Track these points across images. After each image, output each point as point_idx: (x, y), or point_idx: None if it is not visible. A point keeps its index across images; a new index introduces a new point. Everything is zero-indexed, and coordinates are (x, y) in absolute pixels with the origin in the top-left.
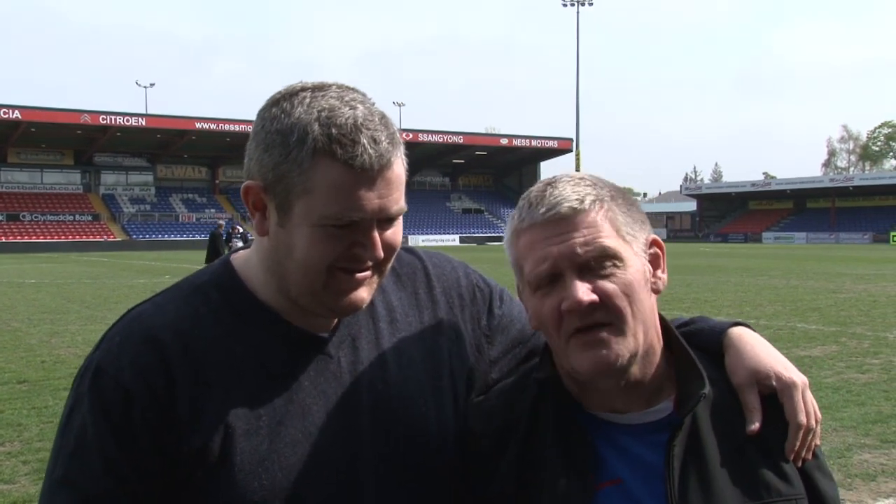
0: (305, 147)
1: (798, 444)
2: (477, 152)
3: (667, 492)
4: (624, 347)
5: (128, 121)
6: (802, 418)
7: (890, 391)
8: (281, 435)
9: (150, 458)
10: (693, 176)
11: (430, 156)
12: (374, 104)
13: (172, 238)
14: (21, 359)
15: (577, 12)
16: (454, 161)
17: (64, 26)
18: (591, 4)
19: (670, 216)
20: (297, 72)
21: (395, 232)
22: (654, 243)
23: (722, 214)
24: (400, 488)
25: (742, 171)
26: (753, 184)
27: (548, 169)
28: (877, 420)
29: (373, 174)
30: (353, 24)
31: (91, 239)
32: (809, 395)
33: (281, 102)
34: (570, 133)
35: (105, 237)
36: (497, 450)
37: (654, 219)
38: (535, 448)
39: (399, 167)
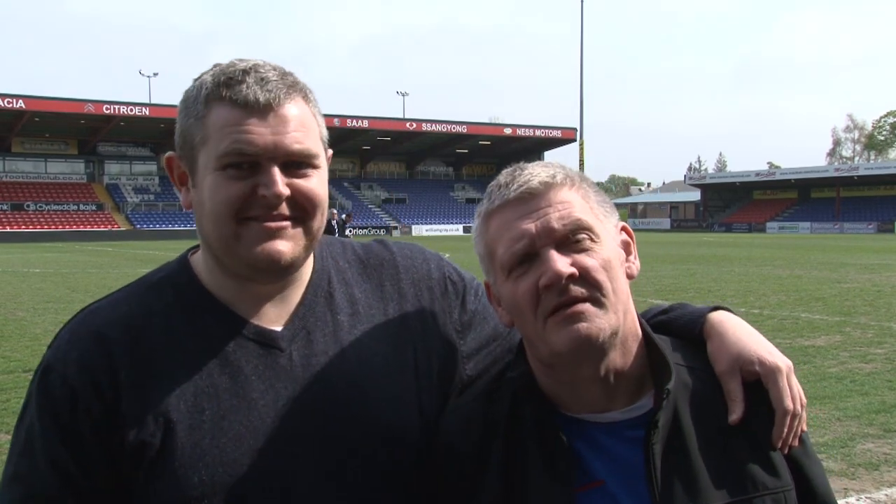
0: (199, 99)
1: (785, 430)
2: (480, 142)
3: (650, 492)
4: (605, 321)
5: (131, 110)
6: (789, 403)
7: (894, 381)
8: (223, 430)
9: (94, 454)
10: (697, 166)
11: (433, 145)
12: (284, 69)
13: (176, 227)
14: (26, 348)
15: (582, 2)
16: (458, 151)
17: (65, 15)
18: None
19: (674, 206)
20: (295, 60)
21: (313, 182)
22: (623, 229)
23: (726, 204)
24: (356, 483)
25: (746, 160)
26: (758, 173)
27: (551, 158)
28: (880, 410)
29: (260, 108)
30: (353, 12)
31: (95, 228)
32: (794, 380)
33: (196, 78)
34: (573, 123)
35: (109, 227)
36: (479, 465)
37: (658, 208)
38: (516, 456)
39: (297, 110)
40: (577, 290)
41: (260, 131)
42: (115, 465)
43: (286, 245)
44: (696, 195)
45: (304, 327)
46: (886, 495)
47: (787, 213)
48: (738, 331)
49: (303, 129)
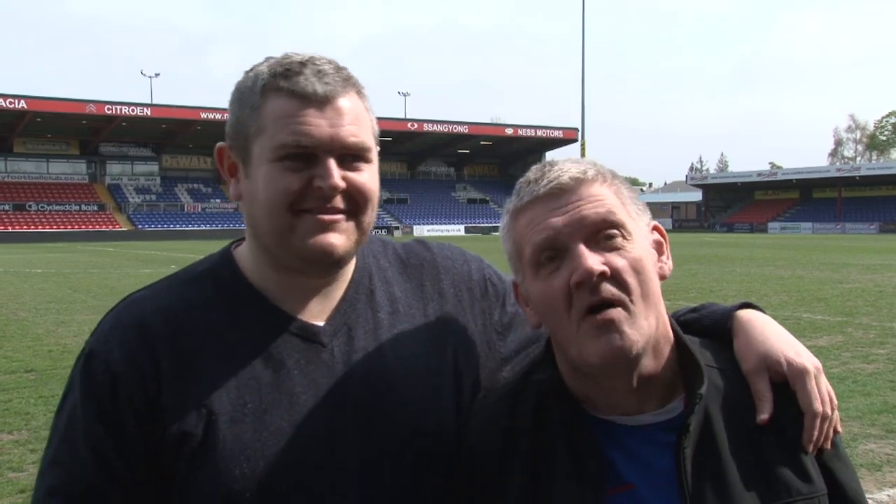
0: (255, 90)
1: (815, 433)
2: (482, 142)
3: (681, 497)
4: (637, 332)
5: (133, 111)
6: (818, 406)
7: None
8: (265, 423)
9: (135, 442)
10: (699, 166)
11: (435, 146)
12: (339, 63)
13: (178, 228)
14: (28, 348)
15: (583, 2)
16: (459, 151)
17: (66, 16)
18: None
19: (676, 206)
20: None
21: (366, 176)
22: (656, 229)
23: (728, 204)
24: (389, 482)
25: (748, 160)
26: (759, 174)
27: (553, 158)
28: (882, 410)
29: (318, 100)
30: (353, 12)
31: (97, 229)
32: (824, 381)
33: (249, 70)
34: (575, 123)
35: (111, 227)
36: (503, 467)
37: (660, 209)
38: (542, 458)
39: (353, 103)
40: (609, 289)
41: (318, 123)
42: (156, 455)
43: (339, 238)
44: (697, 195)
45: (346, 323)
46: (889, 496)
47: (789, 214)
48: (765, 329)
49: (358, 122)
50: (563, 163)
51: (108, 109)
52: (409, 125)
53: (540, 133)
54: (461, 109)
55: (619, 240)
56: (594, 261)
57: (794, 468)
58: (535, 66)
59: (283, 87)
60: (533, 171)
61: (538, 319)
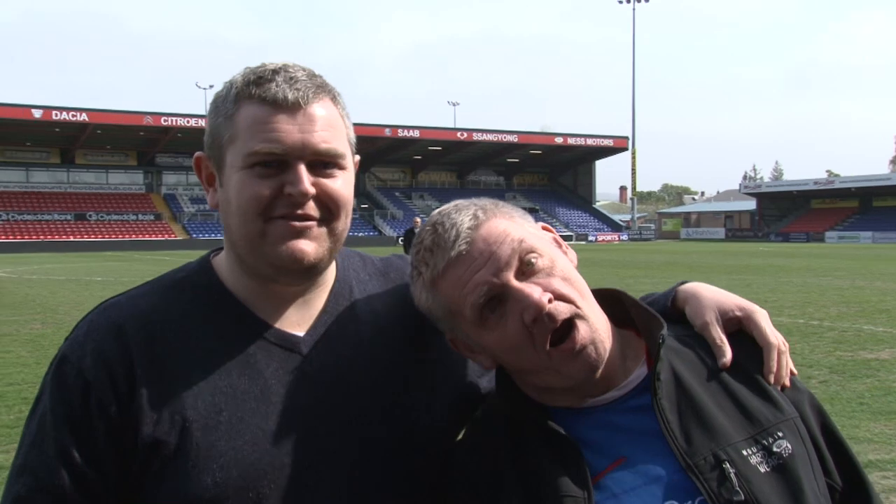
0: (229, 98)
1: (774, 364)
2: (531, 151)
3: (671, 447)
4: (599, 333)
5: (188, 122)
6: (773, 339)
7: None
8: (240, 432)
9: (105, 449)
10: (752, 174)
11: (484, 155)
12: (313, 71)
13: None
14: None
15: (634, 9)
16: (509, 160)
17: (127, 34)
18: (647, 1)
19: (729, 215)
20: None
21: (339, 183)
22: (545, 229)
23: (783, 213)
24: (367, 495)
25: (803, 169)
26: (816, 182)
27: (602, 167)
28: None
29: (288, 106)
30: (402, 23)
31: (153, 238)
32: (771, 324)
33: (227, 80)
34: (625, 131)
35: (166, 236)
36: (495, 488)
37: (712, 218)
38: (527, 469)
39: (327, 110)
40: (562, 309)
41: (288, 129)
42: (126, 462)
43: (310, 245)
44: (751, 204)
45: (326, 334)
46: None
47: (848, 223)
48: (712, 290)
49: (330, 128)
50: (448, 217)
51: (165, 121)
52: (458, 135)
53: (590, 142)
54: (510, 118)
55: (539, 261)
56: (537, 293)
57: (765, 399)
58: (583, 74)
59: (254, 95)
60: (425, 237)
61: (491, 363)
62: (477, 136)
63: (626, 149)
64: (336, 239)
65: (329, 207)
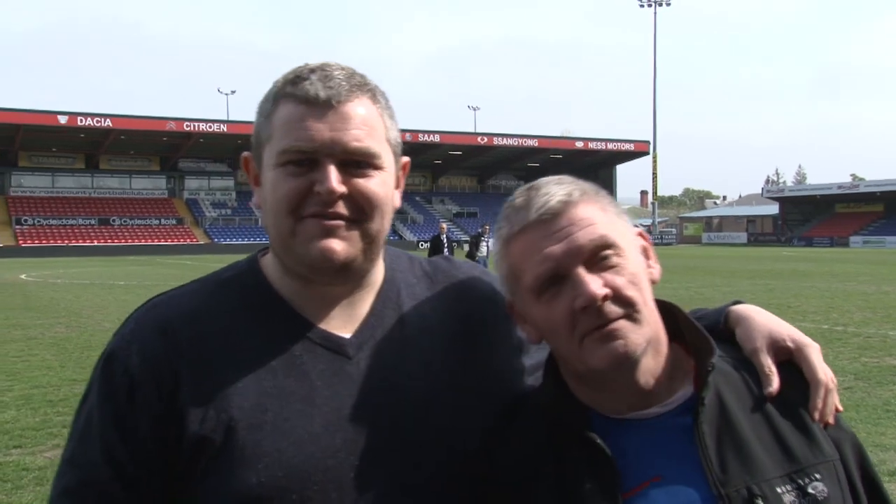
0: (269, 99)
1: (820, 402)
2: (552, 155)
3: (706, 473)
4: (640, 335)
5: (210, 127)
6: (822, 376)
7: None
8: (285, 432)
9: (150, 446)
10: (775, 178)
11: (504, 160)
12: (354, 70)
13: (252, 241)
14: None
15: (655, 12)
16: (529, 165)
17: (147, 38)
18: (668, 5)
19: (751, 220)
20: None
21: (373, 182)
22: (640, 235)
23: (806, 218)
24: (412, 497)
25: (827, 173)
26: (840, 186)
27: (624, 172)
28: None
29: (319, 104)
30: (421, 26)
31: (175, 242)
32: (822, 360)
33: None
34: (646, 135)
35: (188, 240)
36: (532, 490)
37: (734, 222)
38: (564, 475)
39: (361, 109)
40: (613, 309)
41: (318, 127)
42: (170, 459)
43: (340, 244)
44: (774, 209)
45: (373, 336)
46: None
47: (873, 227)
48: (765, 316)
49: (365, 127)
50: (547, 185)
51: (187, 126)
52: (479, 139)
53: (611, 146)
54: (531, 123)
55: (614, 258)
56: (596, 285)
57: (808, 437)
58: (604, 78)
59: (289, 93)
60: (519, 197)
61: (538, 336)
62: (497, 141)
63: (647, 153)
64: (371, 240)
65: (362, 207)
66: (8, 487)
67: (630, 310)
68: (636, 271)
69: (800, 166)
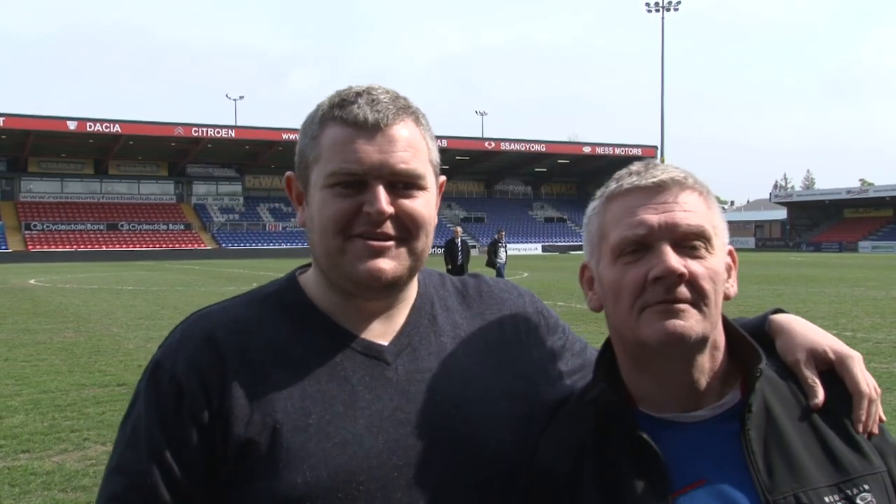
0: (315, 120)
1: (863, 413)
2: (559, 160)
3: (753, 479)
4: (700, 326)
5: (218, 133)
6: (865, 387)
7: None
8: (329, 434)
9: (197, 452)
10: (783, 183)
11: (512, 164)
12: (398, 93)
13: (260, 247)
14: (120, 362)
15: (662, 18)
16: (536, 169)
17: (155, 43)
18: (676, 10)
19: (759, 224)
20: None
21: (418, 203)
22: (730, 252)
23: (815, 223)
24: (450, 497)
25: (836, 178)
26: (849, 191)
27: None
28: None
29: (368, 127)
30: (429, 30)
31: (183, 247)
32: (865, 370)
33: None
34: (654, 140)
35: (196, 246)
36: (575, 487)
37: (743, 227)
38: (609, 473)
39: (406, 131)
40: (684, 291)
41: (367, 150)
42: (217, 465)
43: (389, 263)
44: (782, 213)
45: (410, 344)
46: None
47: (882, 232)
48: (806, 326)
49: (410, 149)
50: (667, 165)
51: (195, 132)
52: (486, 144)
53: (618, 151)
54: (538, 127)
55: (703, 251)
56: (677, 262)
57: (854, 448)
58: (612, 83)
59: (337, 116)
60: (636, 165)
61: (599, 303)
62: (504, 146)
63: (654, 158)
64: (416, 257)
65: (408, 227)
66: (16, 492)
67: (700, 300)
68: (718, 270)
69: (808, 171)
